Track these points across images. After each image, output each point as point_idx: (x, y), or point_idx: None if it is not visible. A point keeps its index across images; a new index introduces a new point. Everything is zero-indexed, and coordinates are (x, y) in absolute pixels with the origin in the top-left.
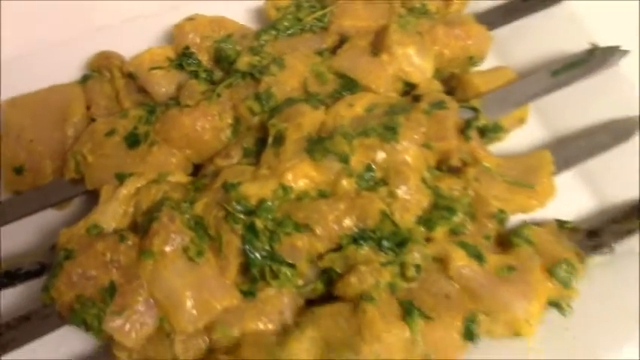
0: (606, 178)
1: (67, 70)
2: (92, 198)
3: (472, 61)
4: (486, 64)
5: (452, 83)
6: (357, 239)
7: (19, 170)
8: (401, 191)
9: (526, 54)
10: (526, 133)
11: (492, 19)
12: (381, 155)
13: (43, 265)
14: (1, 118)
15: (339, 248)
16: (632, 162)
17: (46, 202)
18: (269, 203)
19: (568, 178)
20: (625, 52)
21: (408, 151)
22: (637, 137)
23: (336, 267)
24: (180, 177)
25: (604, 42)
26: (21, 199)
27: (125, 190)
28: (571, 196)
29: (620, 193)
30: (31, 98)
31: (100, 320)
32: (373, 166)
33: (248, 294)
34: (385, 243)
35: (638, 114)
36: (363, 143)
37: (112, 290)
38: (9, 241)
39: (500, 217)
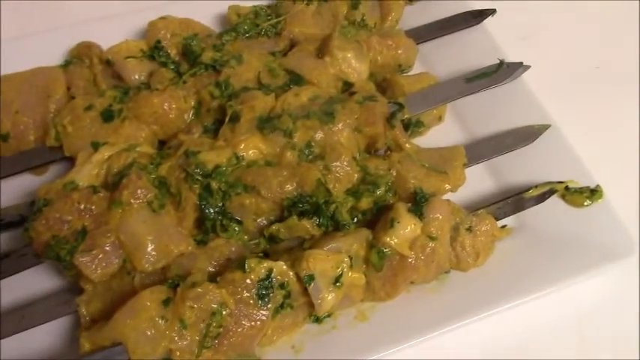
0: (507, 170)
1: (50, 55)
2: (68, 166)
3: (401, 68)
4: (413, 72)
5: (383, 85)
6: (296, 203)
7: (4, 137)
8: (335, 166)
9: (446, 65)
10: (445, 131)
11: (419, 34)
12: (319, 135)
13: (22, 217)
14: None
15: (280, 219)
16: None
17: (28, 164)
18: (223, 168)
19: (477, 169)
20: (527, 67)
21: (343, 132)
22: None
23: (280, 235)
24: (148, 149)
25: (512, 58)
26: (5, 160)
27: (99, 155)
28: (478, 184)
29: (518, 184)
30: (17, 77)
31: (71, 256)
32: (313, 143)
33: (201, 242)
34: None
35: (537, 120)
36: (305, 124)
37: (83, 233)
38: None
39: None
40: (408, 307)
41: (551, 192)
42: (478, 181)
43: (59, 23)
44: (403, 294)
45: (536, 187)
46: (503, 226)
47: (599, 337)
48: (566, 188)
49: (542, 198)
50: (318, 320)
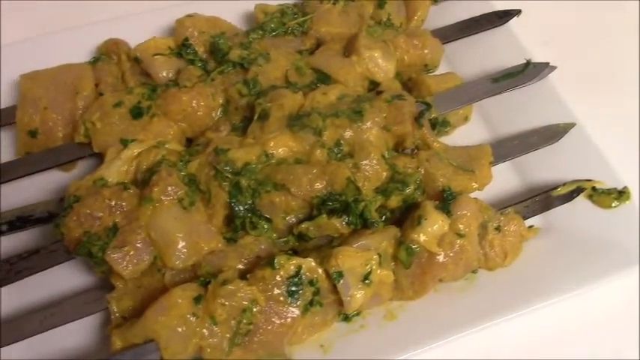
0: (534, 170)
1: (78, 53)
2: (96, 162)
3: (427, 67)
4: (438, 72)
5: (409, 85)
6: (325, 201)
7: (33, 133)
8: (364, 164)
9: (472, 65)
10: (471, 131)
11: (446, 34)
12: (348, 133)
13: (51, 213)
14: (18, 90)
15: (310, 217)
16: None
17: (56, 161)
18: (253, 166)
19: (503, 168)
20: (553, 68)
21: (371, 131)
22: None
23: (309, 233)
24: (176, 146)
25: (537, 59)
26: (34, 157)
27: (128, 152)
28: (504, 183)
29: (544, 183)
30: (46, 73)
31: (103, 252)
32: (342, 142)
33: (230, 240)
34: (351, 219)
35: (562, 119)
36: (334, 122)
37: (114, 229)
38: (21, 195)
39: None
40: (436, 307)
41: (579, 190)
42: (504, 179)
43: (86, 21)
44: (431, 294)
45: (563, 185)
46: (530, 226)
47: (623, 338)
48: (594, 189)
49: (569, 196)
50: (347, 319)
